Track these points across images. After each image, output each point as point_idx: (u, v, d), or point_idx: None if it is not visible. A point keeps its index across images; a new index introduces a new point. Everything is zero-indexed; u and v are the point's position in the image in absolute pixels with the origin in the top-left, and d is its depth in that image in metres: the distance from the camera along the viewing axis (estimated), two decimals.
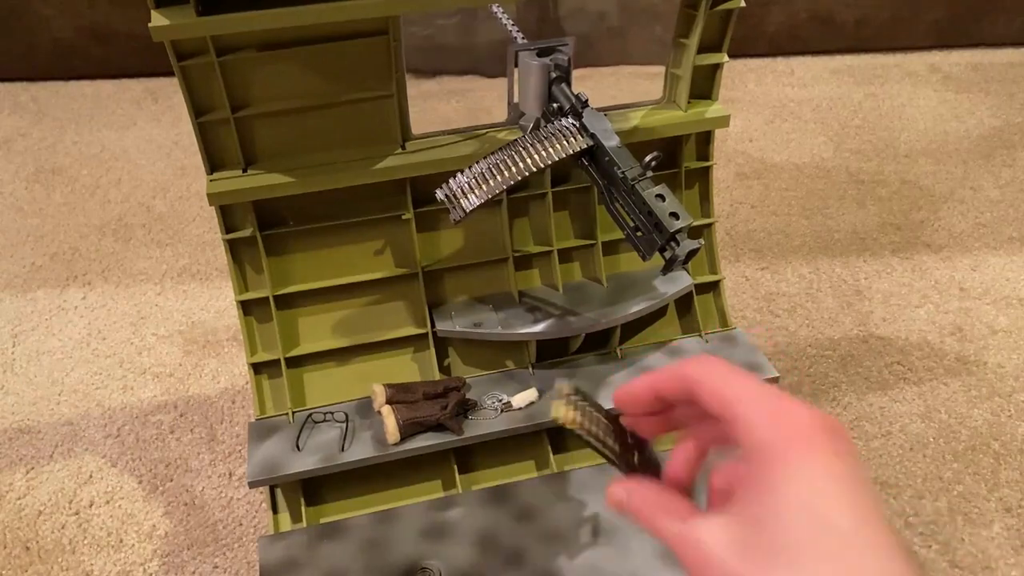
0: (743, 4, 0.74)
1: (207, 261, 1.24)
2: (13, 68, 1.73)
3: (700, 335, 0.84)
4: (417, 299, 0.79)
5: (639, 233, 0.62)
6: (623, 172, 0.61)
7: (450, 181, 0.63)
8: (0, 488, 0.91)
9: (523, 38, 0.69)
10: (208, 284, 1.20)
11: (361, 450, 0.72)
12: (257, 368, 0.77)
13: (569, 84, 0.68)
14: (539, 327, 0.77)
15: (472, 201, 0.62)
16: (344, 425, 0.74)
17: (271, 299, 0.75)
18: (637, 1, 1.64)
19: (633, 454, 0.37)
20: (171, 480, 0.91)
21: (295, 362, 0.77)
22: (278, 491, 0.74)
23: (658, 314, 0.85)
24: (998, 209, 1.34)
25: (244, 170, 0.71)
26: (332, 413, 0.75)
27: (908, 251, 1.25)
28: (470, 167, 0.63)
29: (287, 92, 0.69)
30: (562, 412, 0.36)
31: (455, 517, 0.70)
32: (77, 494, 0.90)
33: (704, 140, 0.82)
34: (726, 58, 0.77)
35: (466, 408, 0.75)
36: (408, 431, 0.72)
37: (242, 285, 0.76)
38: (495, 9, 0.72)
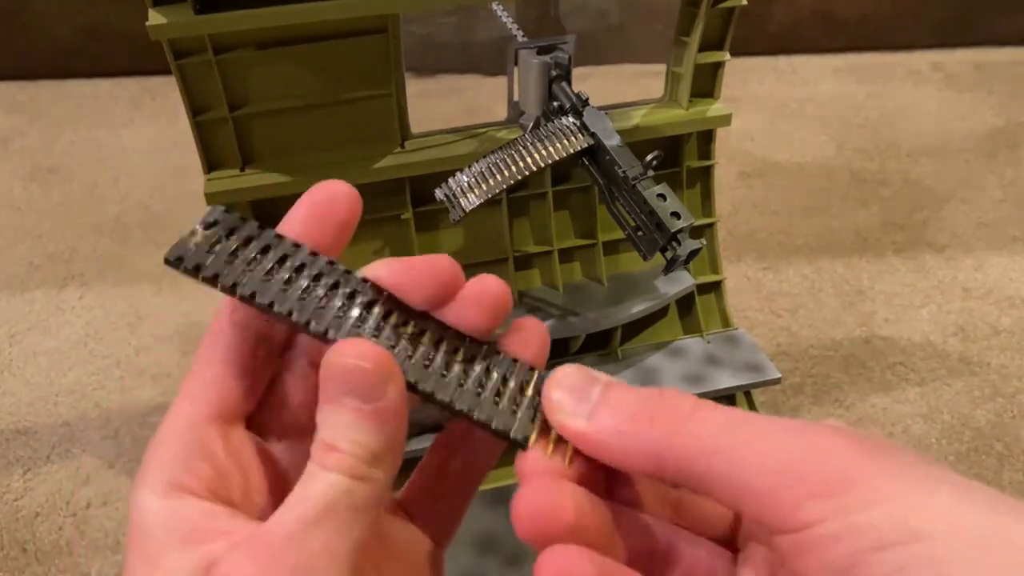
0: (745, 2, 0.73)
1: None
2: (10, 67, 1.72)
3: (702, 335, 0.83)
4: None
5: (640, 233, 0.61)
6: (624, 171, 0.60)
7: (449, 180, 0.63)
8: None
9: (523, 36, 0.69)
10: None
11: None
12: None
13: (569, 82, 0.67)
14: None
15: (472, 200, 0.62)
16: None
17: None
18: None
19: None
20: None
21: None
22: None
23: (659, 314, 0.84)
24: (1001, 209, 1.34)
25: (242, 169, 0.71)
26: None
27: (911, 251, 1.24)
28: (470, 166, 0.63)
29: (285, 91, 0.68)
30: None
31: None
32: (75, 495, 0.89)
33: (706, 139, 0.82)
34: (728, 56, 0.77)
35: None
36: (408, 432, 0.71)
37: None
38: (495, 7, 0.71)
